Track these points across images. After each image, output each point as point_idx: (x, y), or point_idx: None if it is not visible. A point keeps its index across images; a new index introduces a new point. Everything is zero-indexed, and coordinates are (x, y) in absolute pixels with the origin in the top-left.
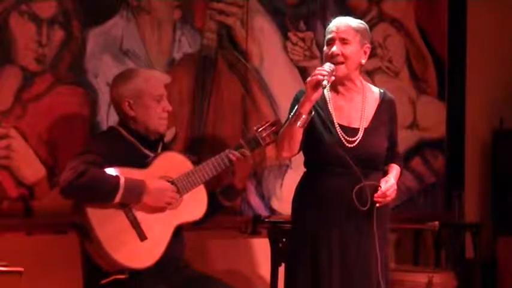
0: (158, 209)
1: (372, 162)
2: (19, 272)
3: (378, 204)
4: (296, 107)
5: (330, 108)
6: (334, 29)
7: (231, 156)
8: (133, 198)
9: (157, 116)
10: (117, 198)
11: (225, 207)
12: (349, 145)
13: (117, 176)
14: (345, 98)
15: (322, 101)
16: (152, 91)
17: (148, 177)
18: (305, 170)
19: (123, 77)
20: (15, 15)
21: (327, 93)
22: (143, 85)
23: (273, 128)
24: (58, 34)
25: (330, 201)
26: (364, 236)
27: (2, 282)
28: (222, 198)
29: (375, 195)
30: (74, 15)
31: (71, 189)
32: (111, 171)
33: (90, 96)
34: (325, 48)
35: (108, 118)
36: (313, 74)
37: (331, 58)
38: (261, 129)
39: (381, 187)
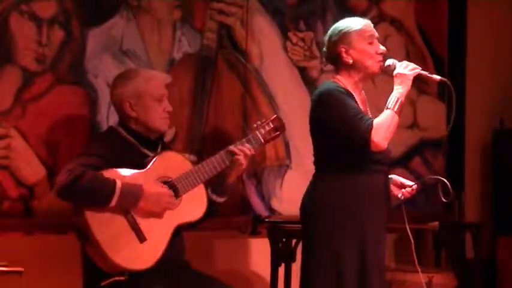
0: (155, 214)
1: (390, 157)
2: (19, 272)
3: (402, 197)
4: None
5: (359, 104)
6: (372, 27)
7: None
8: (129, 202)
9: (159, 116)
10: (113, 202)
11: (219, 204)
12: None
13: (113, 180)
14: (361, 95)
15: (350, 98)
16: (153, 91)
17: (148, 178)
18: (327, 172)
19: (123, 78)
20: (15, 15)
21: (352, 90)
22: (144, 85)
23: (273, 125)
24: (58, 34)
25: (372, 198)
26: (384, 231)
27: (2, 282)
28: (214, 195)
29: (406, 191)
30: (74, 15)
31: (66, 193)
32: (109, 173)
33: (90, 96)
34: (365, 45)
35: (108, 118)
36: (409, 67)
37: (382, 55)
38: (261, 126)
39: (417, 184)
